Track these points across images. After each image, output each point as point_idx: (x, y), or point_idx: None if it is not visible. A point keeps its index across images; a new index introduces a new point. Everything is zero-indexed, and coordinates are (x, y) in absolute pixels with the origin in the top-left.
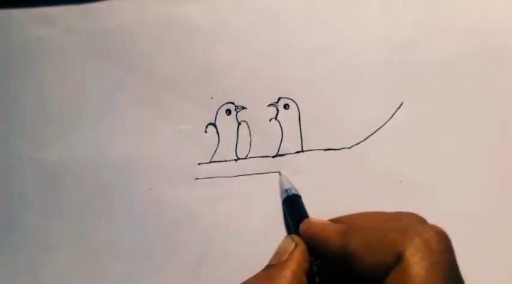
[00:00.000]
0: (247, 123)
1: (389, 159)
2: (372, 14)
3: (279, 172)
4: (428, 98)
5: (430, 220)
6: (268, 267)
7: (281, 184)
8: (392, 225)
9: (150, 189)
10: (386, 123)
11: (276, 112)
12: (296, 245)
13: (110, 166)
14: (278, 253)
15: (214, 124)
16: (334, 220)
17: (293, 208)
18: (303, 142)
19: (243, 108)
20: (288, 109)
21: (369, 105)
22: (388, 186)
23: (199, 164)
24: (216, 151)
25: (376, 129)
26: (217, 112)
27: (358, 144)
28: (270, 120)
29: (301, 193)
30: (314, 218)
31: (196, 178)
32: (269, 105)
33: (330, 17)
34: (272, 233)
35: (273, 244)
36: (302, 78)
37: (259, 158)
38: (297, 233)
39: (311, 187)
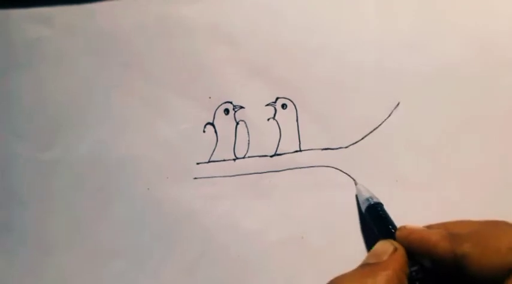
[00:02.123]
0: (245, 123)
1: (385, 158)
2: (369, 15)
3: (354, 181)
4: (424, 98)
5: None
6: (368, 265)
7: (360, 193)
8: (502, 230)
9: (148, 189)
10: (383, 122)
11: (273, 112)
12: (395, 249)
13: (109, 166)
14: (375, 254)
15: (212, 124)
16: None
17: (378, 216)
18: (301, 141)
19: (241, 107)
20: (285, 109)
21: (366, 105)
22: (384, 185)
23: (197, 164)
24: (214, 150)
25: (373, 129)
26: (215, 112)
27: (355, 143)
28: (268, 120)
29: (304, 191)
30: (410, 225)
31: (195, 178)
32: (267, 105)
33: (328, 17)
34: (270, 233)
35: (271, 243)
36: (300, 78)
37: (258, 157)
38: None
39: (309, 186)
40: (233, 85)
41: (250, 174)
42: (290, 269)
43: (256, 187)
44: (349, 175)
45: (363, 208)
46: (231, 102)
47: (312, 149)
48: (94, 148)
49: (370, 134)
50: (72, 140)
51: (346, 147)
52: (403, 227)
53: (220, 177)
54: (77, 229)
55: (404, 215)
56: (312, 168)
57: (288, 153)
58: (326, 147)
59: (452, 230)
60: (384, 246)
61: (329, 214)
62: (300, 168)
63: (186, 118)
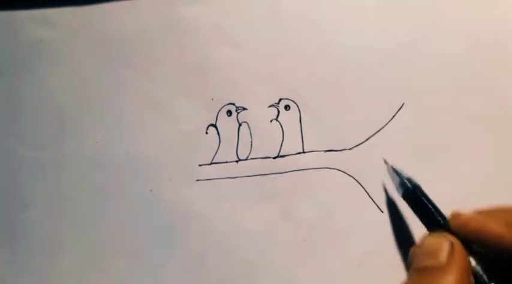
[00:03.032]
0: (248, 124)
1: (390, 160)
2: (371, 15)
3: (385, 161)
4: (429, 99)
5: None
6: (427, 269)
7: (394, 174)
8: None
9: (151, 191)
10: (387, 124)
11: (276, 113)
12: (452, 244)
13: (111, 167)
14: (431, 252)
15: (215, 126)
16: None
17: (421, 201)
18: (304, 143)
19: (244, 109)
20: (288, 110)
21: (370, 106)
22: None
23: (200, 165)
24: (216, 152)
25: (377, 130)
26: (218, 114)
27: (359, 145)
28: (271, 121)
29: (307, 193)
30: (464, 212)
31: (197, 180)
32: (270, 106)
33: (331, 18)
34: (272, 235)
35: (274, 245)
36: (303, 79)
37: (260, 159)
38: (435, 228)
39: (312, 188)
40: (236, 87)
41: (253, 175)
42: (293, 272)
43: (259, 189)
44: (353, 177)
45: (399, 192)
46: (233, 104)
47: (315, 151)
48: (95, 150)
49: (375, 136)
50: (74, 141)
51: (350, 149)
52: (458, 215)
53: (223, 178)
54: (79, 229)
55: (408, 214)
56: (315, 169)
57: (291, 154)
58: (330, 149)
59: (510, 219)
60: (438, 242)
61: (332, 216)
62: (303, 169)
63: (189, 119)
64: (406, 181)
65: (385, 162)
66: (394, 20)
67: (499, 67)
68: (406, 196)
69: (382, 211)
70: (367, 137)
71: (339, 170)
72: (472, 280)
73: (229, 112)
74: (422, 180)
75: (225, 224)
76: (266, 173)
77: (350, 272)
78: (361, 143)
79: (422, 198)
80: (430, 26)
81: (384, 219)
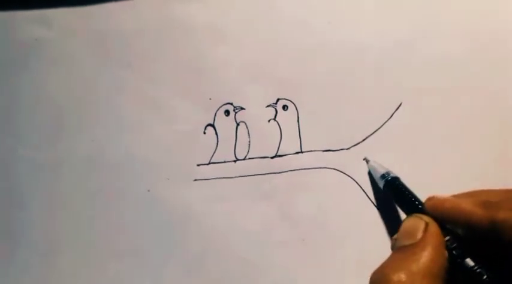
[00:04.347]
0: (246, 124)
1: (387, 159)
2: (370, 14)
3: (366, 159)
4: (426, 99)
5: None
6: (405, 248)
7: (375, 170)
8: None
9: (149, 190)
10: (384, 123)
11: (274, 113)
12: (427, 223)
13: (109, 167)
14: (407, 233)
15: (213, 125)
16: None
17: (399, 190)
18: (302, 143)
19: (242, 108)
20: (286, 110)
21: (368, 106)
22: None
23: (198, 165)
24: (214, 152)
25: (374, 130)
26: (215, 113)
27: (356, 145)
28: (269, 121)
29: (305, 192)
30: (438, 195)
31: (195, 179)
32: (268, 106)
33: (328, 18)
34: (271, 235)
35: (273, 244)
36: (300, 79)
37: (258, 159)
38: (413, 212)
39: (310, 188)
40: (234, 87)
41: (251, 175)
42: (291, 271)
43: (257, 188)
44: (350, 177)
45: (381, 185)
46: (231, 103)
47: (313, 150)
48: (93, 150)
49: (372, 135)
50: (72, 141)
51: (347, 149)
52: (433, 197)
53: (221, 178)
54: (77, 230)
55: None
56: (313, 169)
57: (289, 154)
58: (327, 149)
59: (482, 199)
60: (414, 222)
61: (330, 216)
62: (301, 169)
63: (187, 119)
64: (385, 174)
65: (366, 160)
66: (392, 19)
67: (497, 67)
68: (386, 187)
69: (379, 211)
70: (364, 137)
71: (336, 170)
72: (446, 255)
73: (227, 112)
74: (421, 178)
75: (224, 224)
76: (264, 173)
77: (348, 271)
78: (359, 143)
79: (400, 186)
80: (428, 25)
81: (381, 218)
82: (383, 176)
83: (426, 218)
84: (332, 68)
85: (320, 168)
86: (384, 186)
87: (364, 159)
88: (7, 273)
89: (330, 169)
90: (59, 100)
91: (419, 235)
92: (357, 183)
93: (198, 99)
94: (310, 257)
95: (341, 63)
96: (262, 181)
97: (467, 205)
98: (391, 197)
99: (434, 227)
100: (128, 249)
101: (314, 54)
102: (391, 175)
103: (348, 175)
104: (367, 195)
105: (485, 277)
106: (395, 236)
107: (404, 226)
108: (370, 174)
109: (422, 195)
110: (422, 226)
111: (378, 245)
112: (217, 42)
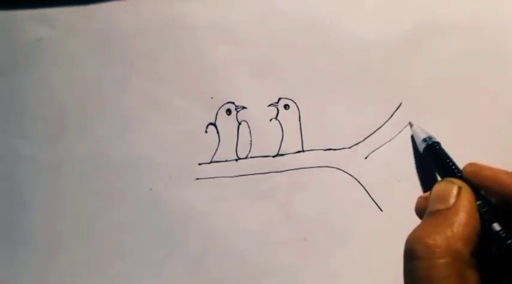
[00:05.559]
0: (247, 123)
1: (388, 159)
2: (371, 15)
3: (410, 123)
4: (426, 98)
5: None
6: (438, 212)
7: (417, 134)
8: None
9: (151, 189)
10: (385, 123)
11: (276, 112)
12: (459, 187)
13: (111, 166)
14: (440, 197)
15: (214, 124)
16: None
17: (438, 154)
18: (303, 142)
19: (243, 108)
20: (288, 109)
21: (369, 105)
22: (386, 185)
23: (199, 164)
24: (216, 151)
25: (375, 129)
26: (217, 112)
27: (357, 144)
28: (271, 120)
29: (306, 192)
30: (479, 162)
31: (197, 178)
32: (269, 105)
33: (330, 17)
34: (272, 234)
35: (274, 244)
36: (302, 78)
37: (260, 158)
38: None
39: (312, 187)
40: (235, 86)
41: (252, 174)
42: (293, 270)
43: (258, 187)
44: (352, 176)
45: (421, 148)
46: (233, 103)
47: (314, 149)
48: (95, 149)
49: (373, 135)
50: (73, 140)
51: (349, 148)
52: (474, 164)
53: (223, 177)
54: (79, 229)
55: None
56: (314, 168)
57: (291, 153)
58: (329, 148)
59: None
60: (447, 186)
61: (332, 215)
62: (302, 168)
63: (188, 118)
64: (427, 138)
65: (410, 124)
66: (393, 19)
67: (498, 67)
68: (426, 150)
69: (381, 210)
70: (365, 136)
71: (338, 169)
72: (478, 219)
73: (228, 111)
74: (419, 178)
75: (225, 223)
76: (265, 172)
77: (350, 270)
78: (360, 142)
79: (440, 151)
80: (429, 25)
81: (383, 217)
82: (424, 140)
83: (459, 182)
84: (333, 68)
85: (321, 167)
86: (424, 149)
87: (408, 123)
88: (8, 272)
89: (331, 168)
90: (60, 100)
91: (452, 199)
92: (358, 181)
93: (199, 98)
94: (311, 257)
95: (342, 63)
96: (263, 180)
97: (505, 177)
98: (430, 160)
99: (467, 192)
100: (129, 247)
101: (315, 54)
102: (432, 139)
103: (350, 174)
104: (369, 194)
105: (509, 241)
106: (423, 195)
107: (436, 190)
108: (412, 138)
109: (421, 194)
110: (455, 190)
111: (379, 244)
112: (219, 41)
